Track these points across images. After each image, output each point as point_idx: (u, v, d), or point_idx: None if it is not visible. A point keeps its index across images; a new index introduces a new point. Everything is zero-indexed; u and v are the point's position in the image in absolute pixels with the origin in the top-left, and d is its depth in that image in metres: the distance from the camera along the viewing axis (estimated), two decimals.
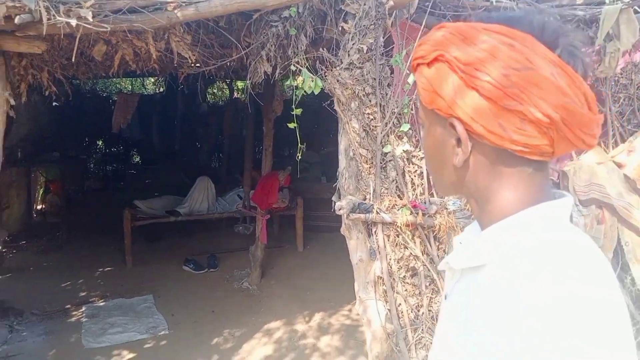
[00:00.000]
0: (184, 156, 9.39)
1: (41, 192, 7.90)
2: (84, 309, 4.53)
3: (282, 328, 4.11)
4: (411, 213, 2.24)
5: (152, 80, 10.12)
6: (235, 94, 9.03)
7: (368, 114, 2.38)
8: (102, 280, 5.25)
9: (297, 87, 2.37)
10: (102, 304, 4.67)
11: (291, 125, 2.46)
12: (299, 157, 2.50)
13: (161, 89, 9.73)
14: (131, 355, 3.73)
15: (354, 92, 2.39)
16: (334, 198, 2.28)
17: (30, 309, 4.44)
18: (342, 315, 4.31)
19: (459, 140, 0.72)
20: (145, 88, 10.50)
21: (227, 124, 8.41)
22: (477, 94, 0.67)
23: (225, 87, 9.19)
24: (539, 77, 0.65)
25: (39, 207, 7.84)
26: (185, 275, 5.33)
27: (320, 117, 7.06)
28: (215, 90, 10.09)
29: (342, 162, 2.29)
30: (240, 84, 8.74)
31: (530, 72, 0.65)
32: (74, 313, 4.46)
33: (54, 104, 7.12)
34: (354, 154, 2.25)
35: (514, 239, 0.69)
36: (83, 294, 4.91)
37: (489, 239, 0.73)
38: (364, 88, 2.42)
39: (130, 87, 10.47)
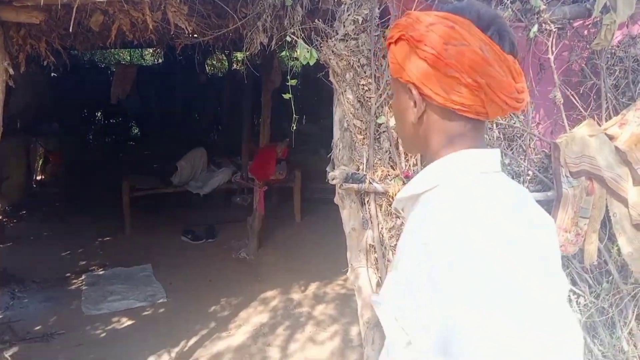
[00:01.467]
0: (183, 128, 9.38)
1: (40, 162, 7.93)
2: (83, 277, 4.62)
3: (278, 297, 4.20)
4: (404, 183, 2.27)
5: (151, 51, 10.05)
6: (234, 65, 8.97)
7: (363, 85, 2.39)
8: (102, 250, 5.34)
9: (295, 59, 2.38)
10: (101, 272, 4.76)
11: (286, 96, 2.47)
12: (294, 128, 2.51)
13: (159, 61, 9.67)
14: (130, 322, 3.83)
15: (349, 63, 2.40)
16: (328, 168, 2.31)
17: (31, 277, 4.53)
18: (338, 284, 4.39)
19: (415, 102, 0.91)
20: (143, 59, 10.42)
21: (226, 96, 8.40)
22: (425, 63, 0.87)
23: (224, 58, 9.12)
24: (470, 51, 0.84)
25: (38, 177, 7.88)
26: (183, 245, 5.41)
27: (320, 89, 7.03)
28: (214, 62, 10.01)
29: (337, 133, 2.31)
30: (239, 55, 8.68)
31: (464, 47, 0.84)
32: (74, 281, 4.55)
33: (52, 74, 7.07)
34: (348, 125, 2.26)
35: (438, 177, 0.89)
36: (83, 262, 4.99)
37: (421, 175, 0.93)
38: (359, 59, 2.42)
39: (128, 58, 10.39)
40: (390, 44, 0.95)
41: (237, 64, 9.30)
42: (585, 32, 3.11)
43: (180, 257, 5.06)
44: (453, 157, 0.89)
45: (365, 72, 2.39)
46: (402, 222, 2.33)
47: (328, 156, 2.53)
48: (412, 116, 0.92)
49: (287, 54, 2.56)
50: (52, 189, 7.57)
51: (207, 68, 9.54)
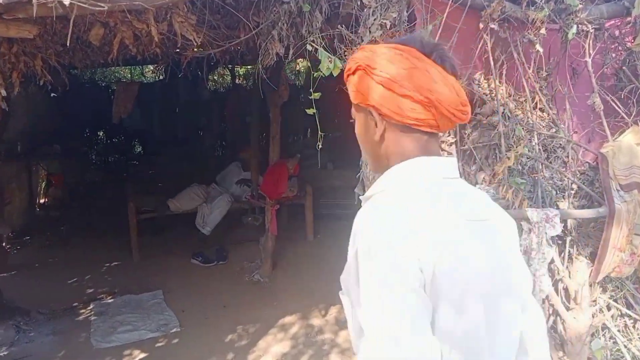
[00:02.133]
0: (187, 145, 9.19)
1: (43, 185, 7.73)
2: (92, 306, 4.40)
3: (298, 323, 3.96)
4: None
5: (152, 68, 9.92)
6: (237, 80, 8.79)
7: None
8: (109, 276, 5.11)
9: (317, 70, 2.17)
10: (110, 300, 4.53)
11: (310, 112, 2.27)
12: (320, 146, 2.29)
13: (161, 77, 9.51)
14: (143, 355, 3.60)
15: None
16: (357, 190, 2.09)
17: (37, 307, 4.30)
18: None
19: (376, 123, 1.03)
20: (144, 76, 10.27)
21: (230, 111, 8.20)
22: (381, 87, 0.99)
23: (227, 73, 8.96)
24: (419, 72, 0.97)
25: (41, 200, 7.67)
26: (194, 269, 5.18)
27: (324, 101, 6.83)
28: (216, 77, 9.85)
29: None
30: (241, 70, 8.51)
31: (414, 70, 0.98)
32: (82, 311, 4.33)
33: (52, 94, 6.90)
34: None
35: (386, 183, 1.02)
36: (90, 290, 4.77)
37: (377, 181, 1.05)
38: None
39: (129, 76, 10.24)
40: (348, 75, 1.07)
41: (240, 79, 9.13)
42: (617, 32, 2.93)
43: (192, 281, 4.84)
44: (404, 165, 1.01)
45: None
46: None
47: (340, 171, 2.30)
48: (375, 135, 1.03)
49: (308, 64, 2.37)
50: (55, 213, 7.36)
51: (209, 83, 9.38)
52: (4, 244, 5.59)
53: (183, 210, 5.81)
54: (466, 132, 2.40)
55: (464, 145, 2.35)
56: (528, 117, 2.48)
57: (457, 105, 0.97)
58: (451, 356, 0.90)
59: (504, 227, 1.05)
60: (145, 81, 9.49)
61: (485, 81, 2.52)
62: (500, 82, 2.49)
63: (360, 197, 1.12)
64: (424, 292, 0.88)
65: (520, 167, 2.44)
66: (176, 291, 4.61)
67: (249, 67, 7.37)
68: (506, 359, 1.00)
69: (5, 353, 3.63)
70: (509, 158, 2.25)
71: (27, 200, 6.85)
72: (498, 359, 0.97)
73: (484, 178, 2.31)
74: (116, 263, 5.41)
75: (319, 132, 2.26)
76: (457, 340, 0.91)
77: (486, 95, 2.45)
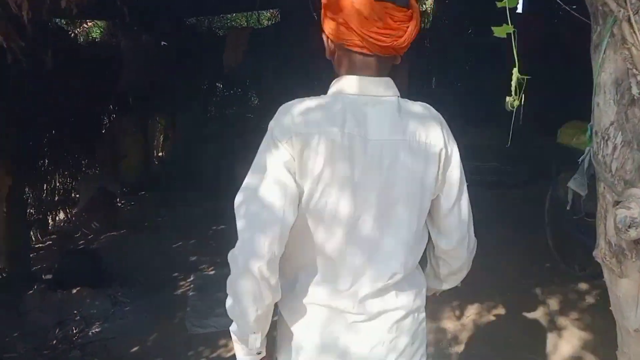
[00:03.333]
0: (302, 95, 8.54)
1: (161, 139, 7.66)
2: (192, 278, 3.98)
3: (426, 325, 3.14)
4: None
5: (268, 14, 9.34)
6: None
7: None
8: (214, 241, 4.70)
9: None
10: (211, 272, 4.10)
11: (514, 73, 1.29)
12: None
13: (276, 21, 8.88)
14: None
15: None
16: (571, 184, 1.16)
17: (137, 275, 4.01)
18: (506, 306, 3.23)
19: (327, 43, 1.21)
20: (259, 23, 9.72)
21: None
22: (323, 11, 1.15)
23: None
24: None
25: (159, 154, 7.62)
26: None
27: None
28: None
29: (608, 111, 1.09)
30: None
31: None
32: (181, 283, 3.93)
33: (163, 43, 6.57)
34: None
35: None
36: (193, 258, 4.39)
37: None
38: None
39: (245, 23, 9.77)
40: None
41: None
42: None
43: None
44: (336, 80, 1.17)
45: None
46: None
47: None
48: (327, 54, 1.21)
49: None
50: (172, 168, 7.24)
51: None
52: (116, 201, 5.46)
53: None
54: None
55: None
56: None
57: (373, 29, 1.07)
58: (317, 230, 1.12)
59: (404, 149, 1.12)
60: (259, 26, 8.88)
61: None
62: None
63: None
64: (291, 167, 1.07)
65: None
66: None
67: None
68: (388, 251, 1.14)
69: (98, 329, 3.32)
70: None
71: (143, 154, 6.75)
72: (365, 246, 1.13)
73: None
74: (222, 226, 4.99)
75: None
76: (323, 219, 1.10)
77: None
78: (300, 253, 1.14)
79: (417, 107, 1.17)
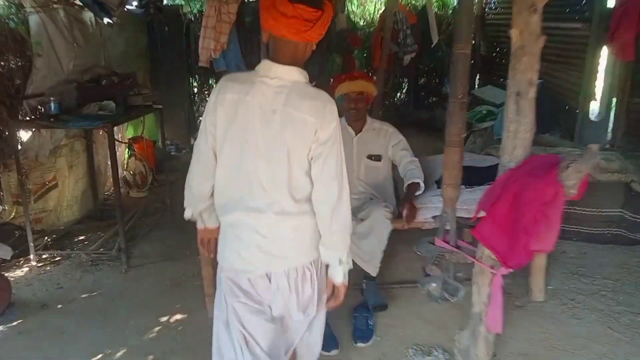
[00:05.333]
0: None
1: (125, 155, 5.62)
2: None
3: None
4: None
5: None
6: None
7: None
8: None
9: None
10: None
11: None
12: None
13: None
14: None
15: None
16: None
17: None
18: None
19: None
20: None
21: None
22: (262, 10, 1.60)
23: None
24: None
25: (123, 176, 5.57)
26: None
27: None
28: None
29: None
30: None
31: None
32: None
33: (107, 21, 4.51)
34: None
35: None
36: None
37: None
38: None
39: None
40: None
41: None
42: None
43: None
44: (262, 61, 1.67)
45: None
46: None
47: None
48: (263, 39, 1.74)
49: None
50: (138, 194, 5.21)
51: None
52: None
53: None
54: None
55: None
56: None
57: (289, 21, 1.53)
58: (223, 168, 1.69)
59: (286, 116, 1.58)
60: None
61: None
62: None
63: None
64: (212, 123, 1.66)
65: None
66: None
67: None
68: (263, 189, 1.64)
69: None
70: None
71: (87, 181, 4.71)
72: (246, 185, 1.66)
73: None
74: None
75: None
76: (225, 160, 1.67)
77: None
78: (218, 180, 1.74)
79: (312, 91, 1.62)
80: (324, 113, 1.58)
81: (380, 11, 8.97)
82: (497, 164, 3.59)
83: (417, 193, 3.10)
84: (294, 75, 1.62)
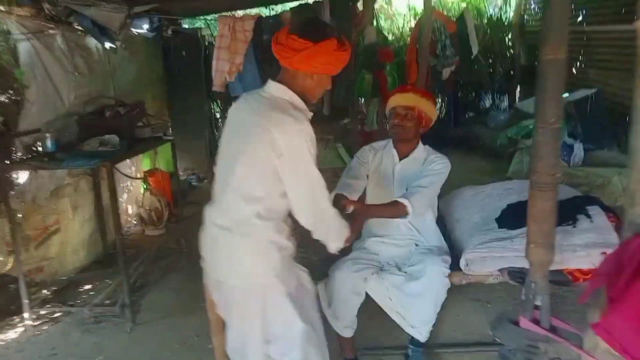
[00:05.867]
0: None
1: (142, 192, 5.20)
2: None
3: None
4: None
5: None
6: None
7: None
8: None
9: None
10: None
11: None
12: None
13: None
14: None
15: None
16: None
17: None
18: None
19: None
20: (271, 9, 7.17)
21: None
22: None
23: None
24: None
25: (130, 220, 5.14)
26: None
27: None
28: None
29: None
30: None
31: None
32: None
33: (109, 46, 4.10)
34: None
35: None
36: None
37: None
38: None
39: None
40: None
41: None
42: None
43: None
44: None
45: None
46: None
47: None
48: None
49: None
50: (152, 232, 4.76)
51: None
52: None
53: None
54: None
55: None
56: None
57: (282, 49, 1.70)
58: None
59: (255, 125, 1.70)
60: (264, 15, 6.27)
61: None
62: None
63: None
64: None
65: None
66: None
67: None
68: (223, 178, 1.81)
69: None
70: None
71: (92, 223, 4.28)
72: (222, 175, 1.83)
73: None
74: None
75: None
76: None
77: None
78: None
79: (288, 108, 1.70)
80: (287, 127, 1.65)
81: (411, 23, 8.45)
82: (583, 196, 2.96)
83: (392, 216, 2.42)
84: (280, 92, 1.75)
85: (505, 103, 8.78)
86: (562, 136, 6.19)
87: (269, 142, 1.63)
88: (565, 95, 6.87)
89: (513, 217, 2.74)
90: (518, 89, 8.53)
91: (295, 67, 1.70)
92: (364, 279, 2.43)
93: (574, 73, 7.00)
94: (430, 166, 2.51)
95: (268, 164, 1.66)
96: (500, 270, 2.42)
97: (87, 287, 3.83)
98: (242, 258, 1.75)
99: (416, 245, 2.65)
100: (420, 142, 2.66)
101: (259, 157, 1.67)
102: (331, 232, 1.83)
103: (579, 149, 5.87)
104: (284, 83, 1.74)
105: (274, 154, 1.64)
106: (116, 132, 3.62)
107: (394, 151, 2.66)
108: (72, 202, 3.94)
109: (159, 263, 4.18)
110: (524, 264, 2.28)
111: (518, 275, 2.34)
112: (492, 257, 2.43)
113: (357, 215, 2.14)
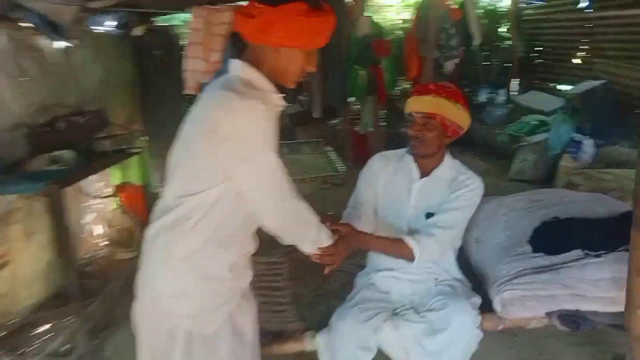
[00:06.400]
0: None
1: (113, 211, 4.63)
2: None
3: None
4: None
5: None
6: None
7: None
8: None
9: None
10: None
11: None
12: None
13: None
14: None
15: None
16: None
17: None
18: None
19: None
20: None
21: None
22: None
23: None
24: None
25: (100, 238, 4.59)
26: None
27: None
28: None
29: None
30: None
31: None
32: None
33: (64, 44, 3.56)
34: None
35: None
36: None
37: None
38: None
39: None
40: None
41: None
42: None
43: None
44: None
45: None
46: None
47: None
48: None
49: None
50: (121, 254, 4.22)
51: None
52: None
53: None
54: None
55: None
56: None
57: (240, 17, 1.44)
58: None
59: (200, 108, 1.47)
60: None
61: None
62: None
63: None
64: None
65: None
66: None
67: None
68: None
69: None
70: None
71: (50, 250, 3.71)
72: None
73: None
74: None
75: None
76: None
77: None
78: None
79: (235, 83, 1.40)
80: (230, 104, 1.36)
81: (403, 15, 7.97)
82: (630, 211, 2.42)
83: (391, 254, 2.01)
84: (238, 69, 1.47)
85: (503, 97, 8.36)
86: (569, 131, 5.75)
87: (211, 126, 1.36)
88: (570, 87, 6.45)
89: (552, 238, 2.26)
90: (517, 81, 8.12)
91: (253, 40, 1.43)
92: (374, 330, 1.92)
93: (579, 64, 6.59)
94: (458, 193, 2.01)
95: (211, 154, 1.39)
96: (548, 314, 1.93)
97: (45, 327, 3.28)
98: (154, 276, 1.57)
99: (435, 279, 2.15)
100: (446, 156, 2.15)
101: (200, 148, 1.41)
102: (303, 233, 1.56)
103: (589, 145, 5.44)
104: (251, 63, 1.45)
105: (217, 139, 1.35)
106: (72, 146, 3.09)
107: (414, 165, 2.14)
108: (24, 228, 3.38)
109: (129, 294, 3.63)
110: (577, 304, 1.80)
111: (571, 320, 1.85)
112: (536, 297, 1.93)
113: (343, 239, 1.72)
